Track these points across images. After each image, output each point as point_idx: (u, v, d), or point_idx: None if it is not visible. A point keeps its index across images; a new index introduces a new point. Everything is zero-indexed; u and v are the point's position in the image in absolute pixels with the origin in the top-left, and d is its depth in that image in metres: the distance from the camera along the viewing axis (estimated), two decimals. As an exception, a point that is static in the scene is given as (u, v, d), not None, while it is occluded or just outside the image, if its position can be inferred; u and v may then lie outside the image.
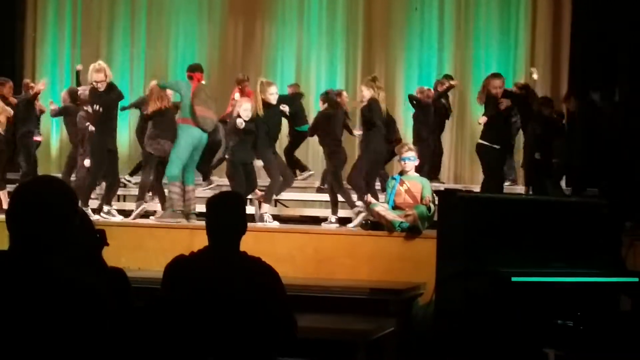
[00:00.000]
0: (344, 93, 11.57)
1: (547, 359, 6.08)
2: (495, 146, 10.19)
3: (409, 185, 9.20)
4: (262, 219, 9.96)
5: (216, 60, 15.23)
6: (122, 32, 15.83)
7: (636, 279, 6.84)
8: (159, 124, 10.48)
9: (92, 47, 15.71)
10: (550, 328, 6.17)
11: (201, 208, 9.10)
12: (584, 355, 5.68)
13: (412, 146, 9.72)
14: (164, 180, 10.52)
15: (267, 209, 10.19)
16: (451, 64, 14.48)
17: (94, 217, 9.56)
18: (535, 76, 11.23)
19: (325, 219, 10.62)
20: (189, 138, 9.90)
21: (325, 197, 11.13)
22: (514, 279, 6.43)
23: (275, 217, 10.60)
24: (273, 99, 10.07)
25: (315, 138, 11.30)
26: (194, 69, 10.29)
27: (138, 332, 3.42)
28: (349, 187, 10.32)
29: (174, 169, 9.91)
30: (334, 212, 10.45)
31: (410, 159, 9.34)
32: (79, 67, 10.51)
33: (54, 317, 2.51)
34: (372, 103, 9.93)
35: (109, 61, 15.28)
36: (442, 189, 10.39)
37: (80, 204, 9.59)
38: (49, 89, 15.31)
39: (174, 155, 9.92)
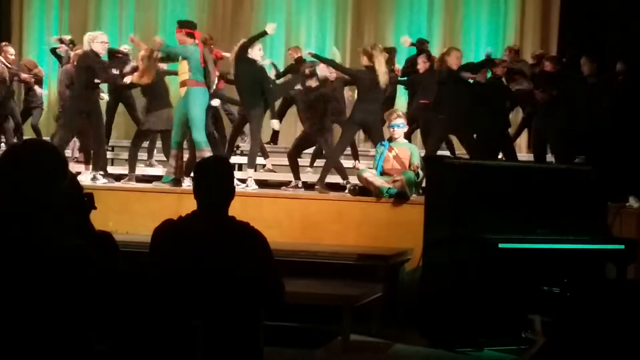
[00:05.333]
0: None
1: (533, 325, 6.13)
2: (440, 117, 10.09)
3: (398, 152, 9.20)
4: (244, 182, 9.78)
5: (205, 23, 15.11)
6: (111, -7, 15.72)
7: (622, 247, 6.88)
8: (153, 96, 10.20)
9: (81, 8, 15.59)
10: (536, 294, 6.21)
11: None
12: (570, 322, 5.72)
13: (400, 113, 9.67)
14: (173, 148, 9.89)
15: (250, 173, 10.10)
16: (441, 28, 14.43)
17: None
18: None
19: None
20: (205, 101, 9.59)
21: (318, 163, 10.93)
22: (501, 245, 6.46)
23: (264, 183, 10.57)
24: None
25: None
26: (194, 27, 9.79)
27: (125, 295, 3.42)
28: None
29: (202, 136, 9.54)
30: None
31: (399, 125, 9.32)
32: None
33: (40, 278, 2.51)
34: None
35: (97, 22, 15.23)
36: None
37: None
38: (36, 52, 15.25)
39: (199, 121, 9.50)
